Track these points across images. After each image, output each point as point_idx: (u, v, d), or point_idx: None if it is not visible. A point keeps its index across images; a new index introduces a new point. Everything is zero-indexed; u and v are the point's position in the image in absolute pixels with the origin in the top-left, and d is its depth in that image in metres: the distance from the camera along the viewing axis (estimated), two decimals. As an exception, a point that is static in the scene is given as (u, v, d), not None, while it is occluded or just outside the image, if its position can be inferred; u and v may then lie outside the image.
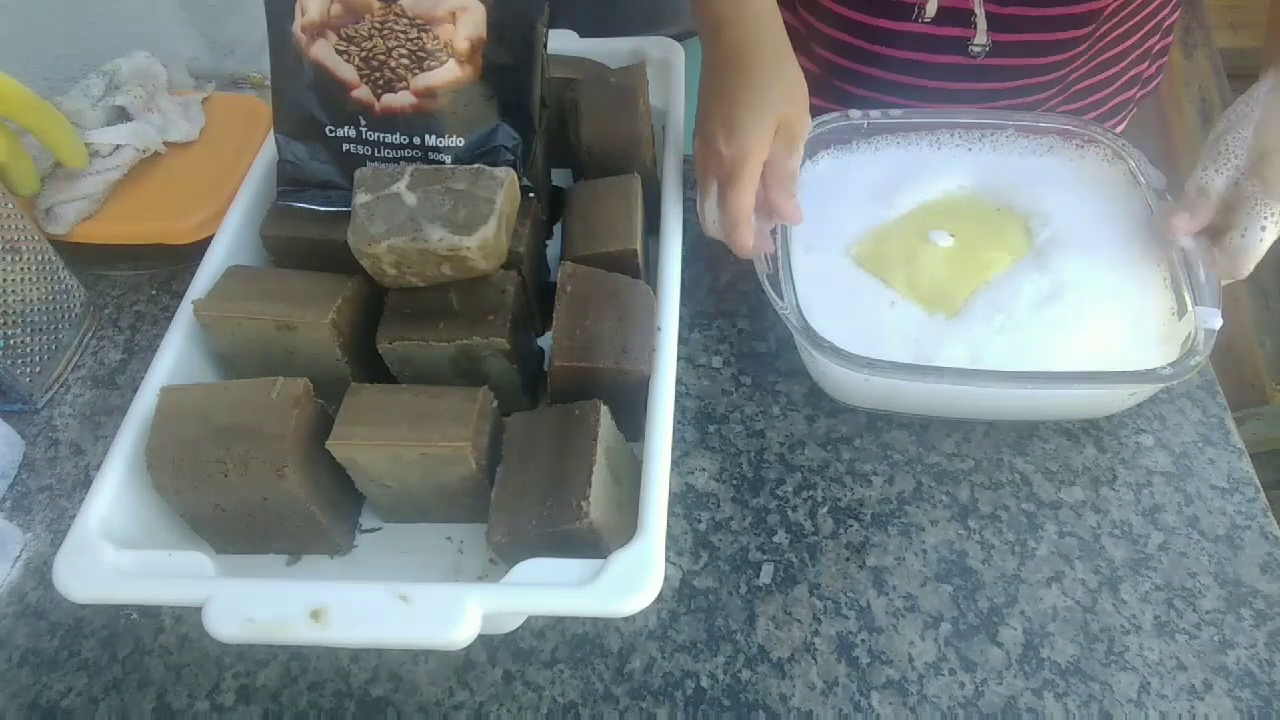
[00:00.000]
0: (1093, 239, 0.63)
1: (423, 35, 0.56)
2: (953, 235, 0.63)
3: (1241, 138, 0.58)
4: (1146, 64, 0.81)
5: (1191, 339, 0.55)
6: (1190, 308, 0.57)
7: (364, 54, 0.57)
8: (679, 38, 0.74)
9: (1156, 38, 0.80)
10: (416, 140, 0.58)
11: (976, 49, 0.72)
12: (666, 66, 0.72)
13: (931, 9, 0.71)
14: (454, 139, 0.58)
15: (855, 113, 0.68)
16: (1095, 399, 0.58)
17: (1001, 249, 0.63)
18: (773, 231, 0.61)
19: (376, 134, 0.58)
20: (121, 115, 0.72)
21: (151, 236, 0.70)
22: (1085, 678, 0.50)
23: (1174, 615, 0.52)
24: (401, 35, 0.56)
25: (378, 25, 0.57)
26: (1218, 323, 0.55)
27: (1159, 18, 0.77)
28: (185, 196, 0.71)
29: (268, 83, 0.74)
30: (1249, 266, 0.57)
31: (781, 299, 0.58)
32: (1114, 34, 0.75)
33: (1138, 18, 0.75)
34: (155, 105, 0.74)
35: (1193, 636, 0.51)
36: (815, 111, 0.62)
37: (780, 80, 0.59)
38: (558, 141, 0.66)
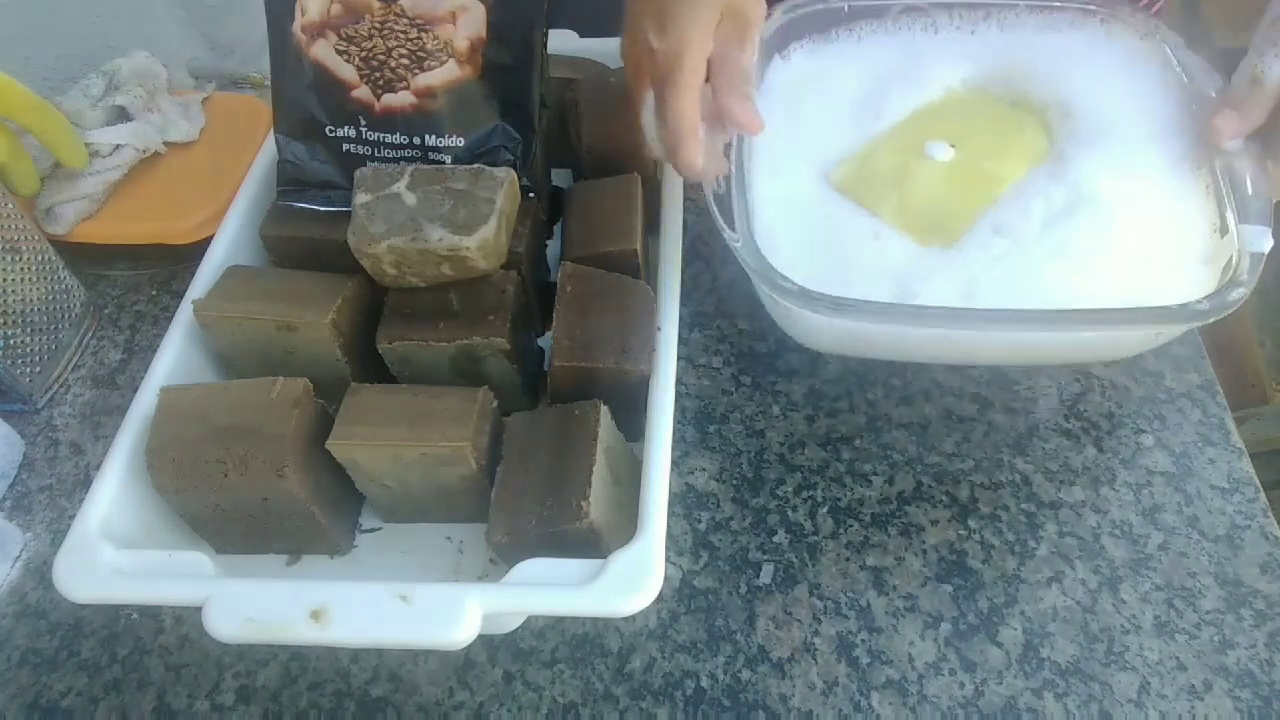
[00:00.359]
0: (1121, 133, 0.52)
1: (423, 35, 0.56)
2: (954, 146, 0.53)
3: None
4: None
5: (1234, 265, 0.45)
6: (1233, 226, 0.47)
7: (364, 54, 0.57)
8: (679, 37, 0.74)
9: None
10: (416, 140, 0.58)
11: None
12: (666, 66, 0.72)
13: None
14: (454, 139, 0.58)
15: None
16: (1114, 338, 0.50)
17: (1015, 156, 0.53)
18: (728, 149, 0.51)
19: (376, 134, 0.58)
20: (121, 115, 0.72)
21: (151, 236, 0.70)
22: (1085, 678, 0.50)
23: (1174, 615, 0.52)
24: (401, 35, 0.56)
25: (378, 25, 0.57)
26: (1268, 244, 0.45)
27: None
28: (185, 196, 0.71)
29: (268, 83, 0.74)
30: None
31: (733, 228, 0.47)
32: None
33: None
34: (155, 105, 0.74)
35: (1193, 636, 0.51)
36: None
37: None
38: (558, 141, 0.66)
